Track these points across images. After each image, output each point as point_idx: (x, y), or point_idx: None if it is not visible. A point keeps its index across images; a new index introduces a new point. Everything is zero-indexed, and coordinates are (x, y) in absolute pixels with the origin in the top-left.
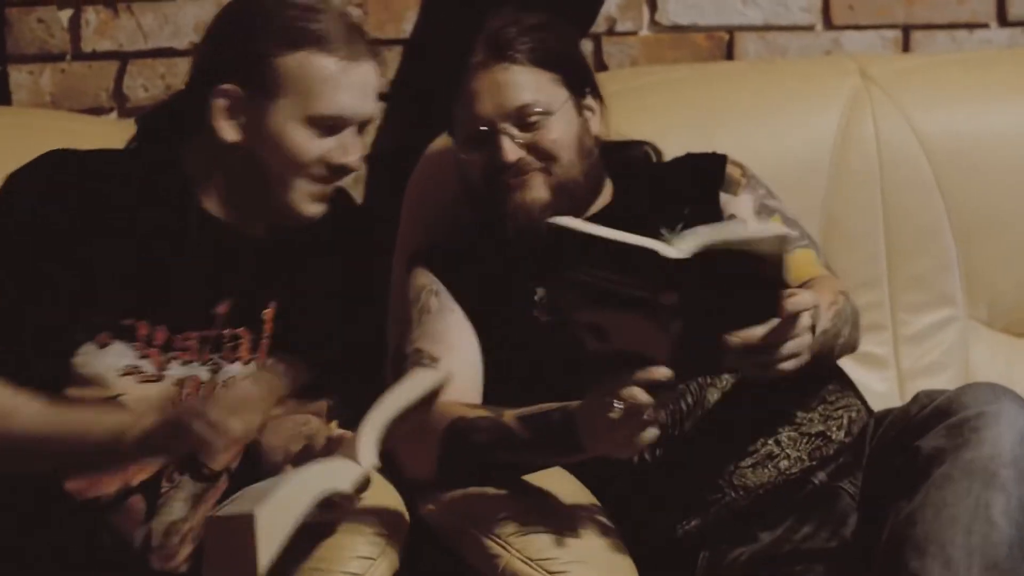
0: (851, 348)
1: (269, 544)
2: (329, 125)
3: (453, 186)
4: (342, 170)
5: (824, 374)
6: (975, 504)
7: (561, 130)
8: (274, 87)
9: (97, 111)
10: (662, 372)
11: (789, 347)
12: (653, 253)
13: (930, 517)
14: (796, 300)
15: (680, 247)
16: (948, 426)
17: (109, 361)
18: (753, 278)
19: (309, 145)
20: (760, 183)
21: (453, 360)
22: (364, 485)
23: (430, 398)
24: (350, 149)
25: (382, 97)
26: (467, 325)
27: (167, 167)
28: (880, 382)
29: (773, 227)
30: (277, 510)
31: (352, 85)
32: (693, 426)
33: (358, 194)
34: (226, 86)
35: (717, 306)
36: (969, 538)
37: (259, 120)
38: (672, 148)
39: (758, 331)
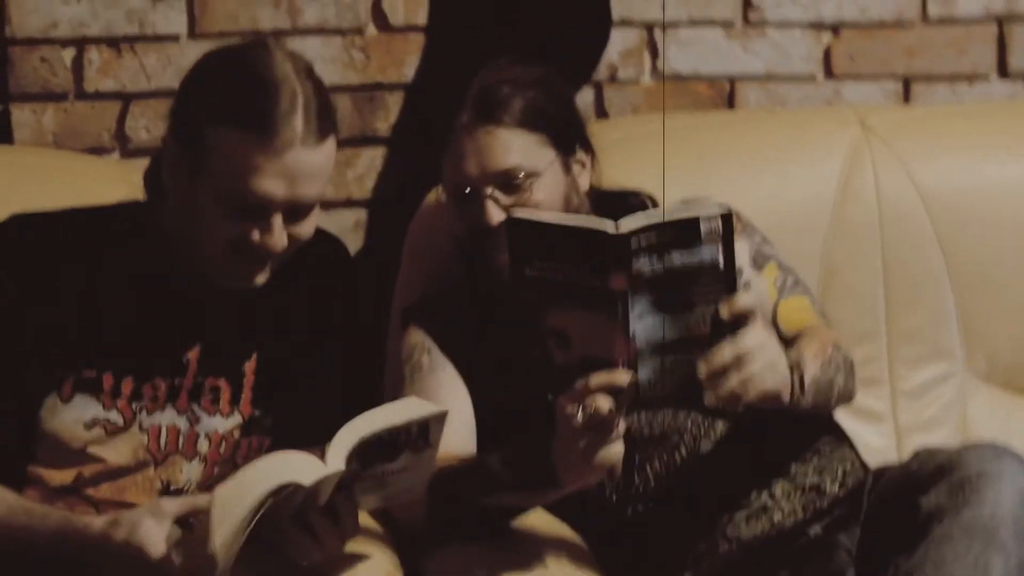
0: (847, 398)
1: (223, 522)
2: (246, 208)
3: (448, 237)
4: (264, 249)
5: (819, 426)
6: (974, 563)
7: (547, 191)
8: (199, 157)
9: (99, 151)
10: (620, 376)
11: (758, 361)
12: (599, 233)
13: (929, 575)
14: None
15: (624, 226)
16: (949, 484)
17: (75, 414)
18: (701, 268)
19: (223, 224)
20: (755, 230)
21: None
22: (326, 487)
23: (426, 434)
24: (273, 234)
25: (384, 141)
26: (459, 382)
27: (140, 222)
28: (877, 436)
29: (714, 205)
30: (234, 490)
31: (280, 171)
32: (687, 477)
33: (359, 239)
34: (171, 144)
35: (669, 295)
36: None
37: (187, 186)
38: (672, 196)
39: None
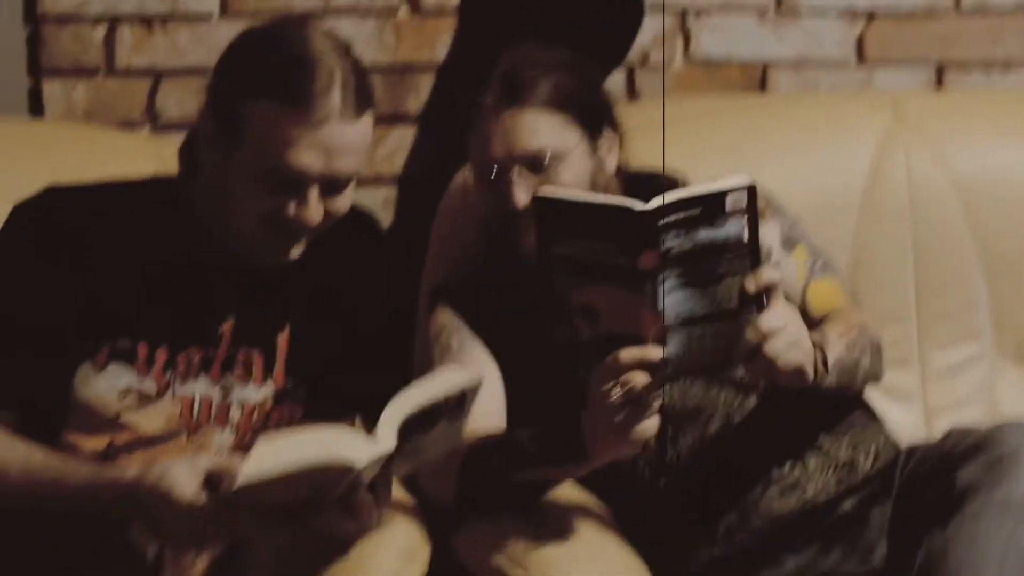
0: (875, 378)
1: (255, 465)
2: (281, 182)
3: (475, 218)
4: (299, 223)
5: (851, 402)
6: (1008, 539)
7: (574, 172)
8: (236, 132)
9: (130, 126)
10: (653, 352)
11: (780, 340)
12: (627, 211)
13: (963, 549)
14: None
15: (651, 204)
16: (985, 461)
17: (109, 383)
18: (727, 242)
19: (259, 199)
20: (786, 213)
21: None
22: (377, 468)
23: (462, 403)
24: (309, 207)
25: (415, 120)
26: (488, 360)
27: (173, 197)
28: (906, 416)
29: (740, 179)
30: (280, 445)
31: (317, 145)
32: (719, 451)
33: (388, 217)
34: (206, 121)
35: (696, 269)
36: (1001, 573)
37: (223, 162)
38: (701, 179)
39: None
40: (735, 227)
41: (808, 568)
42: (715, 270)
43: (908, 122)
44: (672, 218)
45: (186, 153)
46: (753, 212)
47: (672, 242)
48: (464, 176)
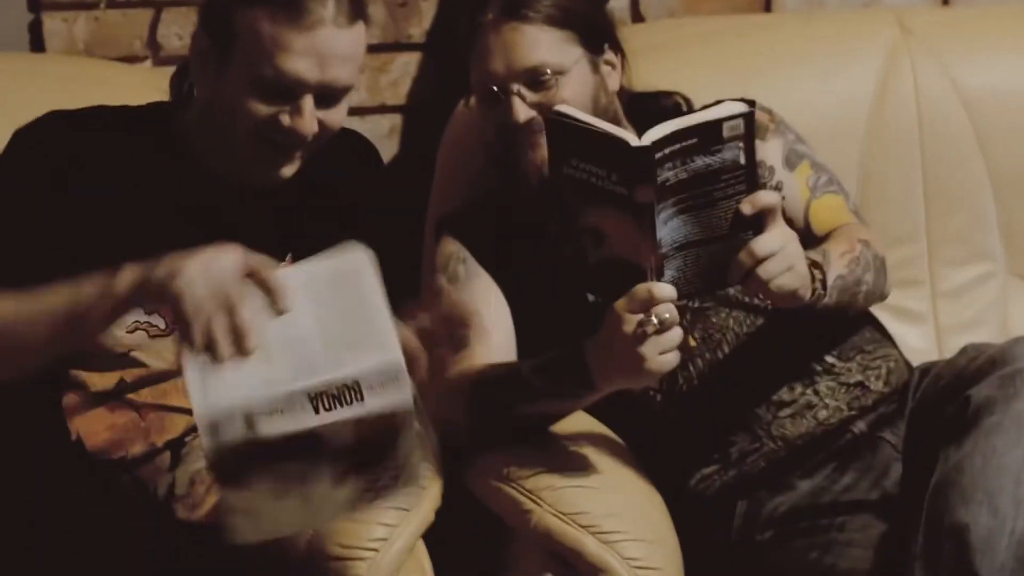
0: (879, 296)
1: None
2: (277, 90)
3: (480, 143)
4: (294, 134)
5: (862, 324)
6: None
7: (574, 89)
8: (229, 43)
9: (131, 59)
10: (666, 291)
11: (775, 263)
12: (624, 143)
13: (979, 465)
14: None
15: (647, 138)
16: (1000, 376)
17: None
18: (723, 167)
19: (253, 109)
20: (789, 128)
21: (483, 323)
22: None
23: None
24: (302, 115)
25: (419, 47)
26: (495, 288)
27: (163, 124)
28: (918, 337)
29: (735, 106)
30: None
31: (310, 51)
32: (730, 376)
33: (393, 145)
34: (200, 38)
35: (692, 196)
36: (1018, 488)
37: (217, 75)
38: (708, 99)
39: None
40: (731, 152)
41: (822, 491)
42: (711, 194)
43: (915, 38)
44: (668, 150)
45: (178, 81)
46: (750, 138)
47: (668, 173)
48: (468, 102)
